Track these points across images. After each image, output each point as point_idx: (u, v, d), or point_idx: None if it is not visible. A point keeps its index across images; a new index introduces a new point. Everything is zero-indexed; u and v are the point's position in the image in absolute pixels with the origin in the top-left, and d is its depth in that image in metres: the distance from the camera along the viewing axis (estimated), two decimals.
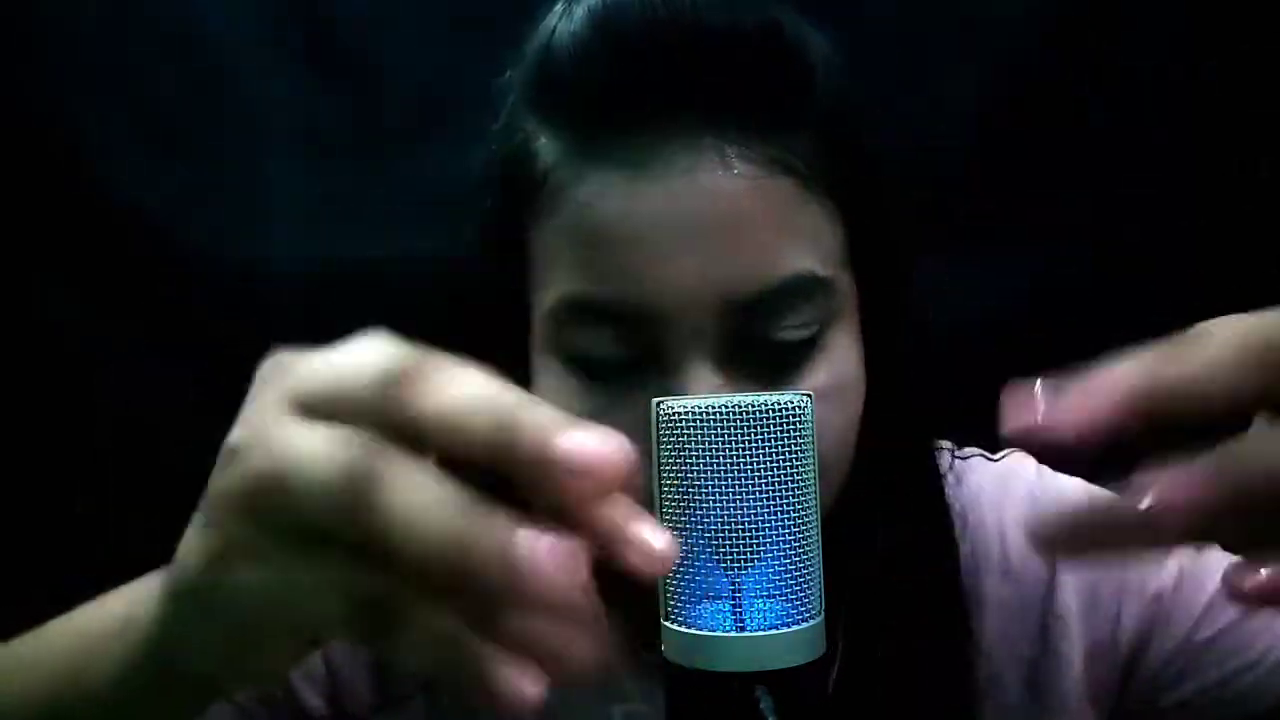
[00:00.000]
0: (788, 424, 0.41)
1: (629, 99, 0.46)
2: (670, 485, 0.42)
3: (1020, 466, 0.63)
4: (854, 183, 0.50)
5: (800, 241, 0.47)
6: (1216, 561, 0.56)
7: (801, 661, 0.41)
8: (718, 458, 0.40)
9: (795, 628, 0.40)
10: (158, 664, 0.36)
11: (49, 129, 1.04)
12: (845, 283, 0.51)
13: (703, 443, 0.41)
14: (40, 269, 1.06)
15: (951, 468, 0.61)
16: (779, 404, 0.41)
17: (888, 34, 1.02)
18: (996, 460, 0.63)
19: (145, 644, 0.36)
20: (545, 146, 0.49)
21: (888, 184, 0.53)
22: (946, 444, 0.64)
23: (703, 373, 0.47)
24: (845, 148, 0.50)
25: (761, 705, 0.39)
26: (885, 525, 0.52)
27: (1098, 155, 1.06)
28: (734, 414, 0.40)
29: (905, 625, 0.53)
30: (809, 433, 0.42)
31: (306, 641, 0.33)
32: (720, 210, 0.45)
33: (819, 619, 0.42)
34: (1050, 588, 0.57)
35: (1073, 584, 0.57)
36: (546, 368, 0.50)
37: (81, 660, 0.40)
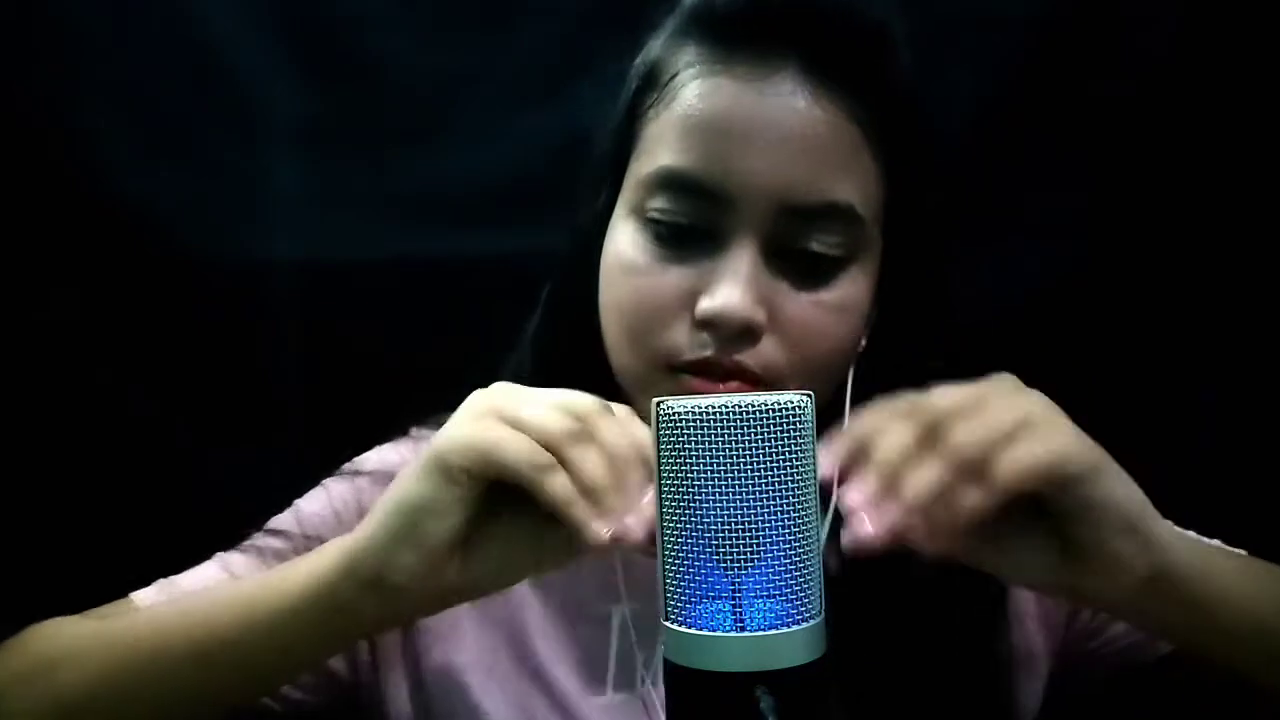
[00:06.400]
0: (788, 424, 0.41)
1: (758, 30, 0.57)
2: (670, 485, 0.42)
3: None
4: (903, 157, 0.60)
5: (851, 179, 0.57)
6: None
7: (801, 661, 0.41)
8: (718, 458, 0.40)
9: (795, 628, 0.40)
10: (348, 587, 0.49)
11: (48, 128, 1.04)
12: (875, 235, 0.60)
13: (703, 443, 0.41)
14: (39, 268, 1.06)
15: None
16: (779, 404, 0.41)
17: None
18: None
19: (335, 572, 0.50)
20: (680, 57, 0.60)
21: (931, 174, 0.63)
22: None
23: (746, 252, 0.56)
24: (904, 125, 0.60)
25: (761, 705, 0.39)
26: None
27: (1095, 154, 1.06)
28: (734, 414, 0.40)
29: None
30: (809, 433, 0.42)
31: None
32: (800, 130, 0.56)
33: (819, 619, 0.42)
34: None
35: None
36: (625, 224, 0.60)
37: (259, 603, 0.53)
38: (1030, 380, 0.50)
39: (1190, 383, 1.05)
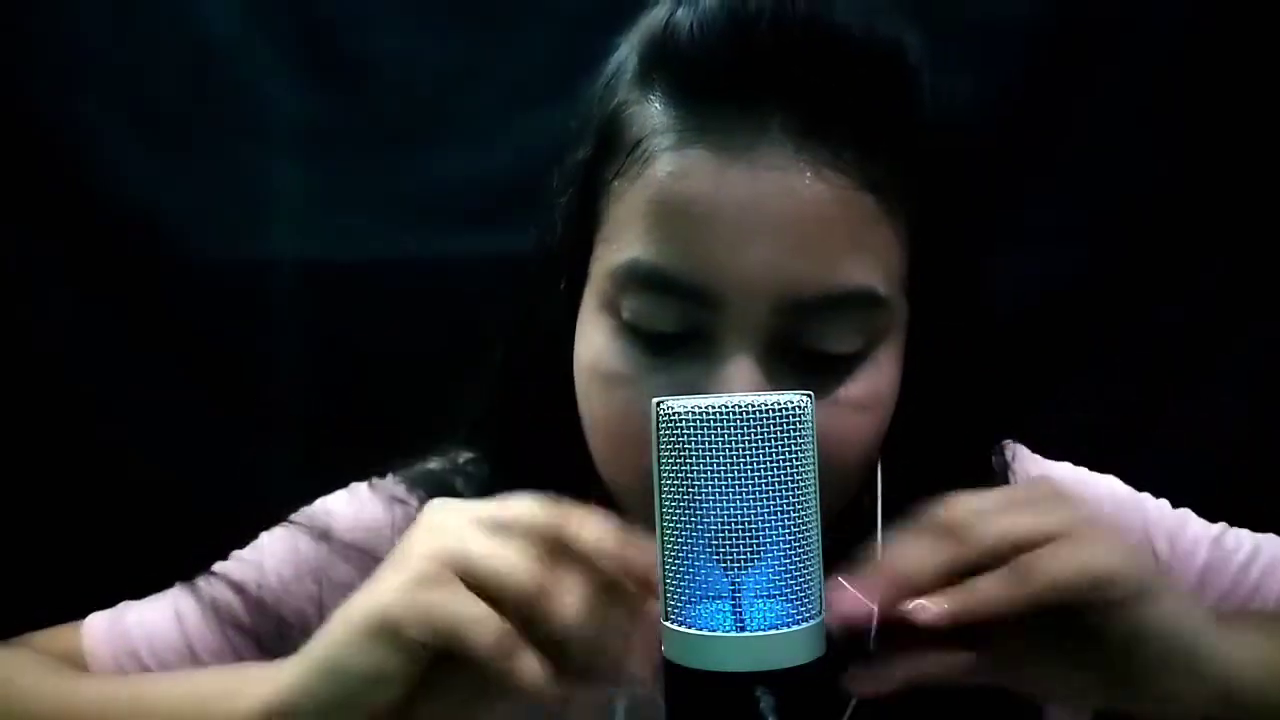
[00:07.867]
0: (788, 424, 0.41)
1: (741, 85, 0.47)
2: (670, 485, 0.41)
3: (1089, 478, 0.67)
4: (930, 212, 0.51)
5: (868, 258, 0.48)
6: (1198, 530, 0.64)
7: (801, 661, 0.40)
8: (718, 458, 0.40)
9: (795, 628, 0.40)
10: None
11: (48, 128, 1.04)
12: (900, 305, 0.51)
13: (703, 443, 0.40)
14: (39, 268, 1.06)
15: (1012, 469, 0.63)
16: (779, 404, 0.41)
17: None
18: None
19: None
20: (646, 113, 0.50)
21: (960, 220, 0.54)
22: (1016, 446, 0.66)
23: (744, 362, 0.47)
24: (930, 178, 0.51)
25: (761, 705, 0.39)
26: None
27: (1094, 156, 1.06)
28: (734, 414, 0.40)
29: None
30: (809, 433, 0.41)
31: None
32: (800, 212, 0.46)
33: (819, 619, 0.41)
34: None
35: None
36: (596, 322, 0.51)
37: None
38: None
39: (1191, 384, 1.05)
